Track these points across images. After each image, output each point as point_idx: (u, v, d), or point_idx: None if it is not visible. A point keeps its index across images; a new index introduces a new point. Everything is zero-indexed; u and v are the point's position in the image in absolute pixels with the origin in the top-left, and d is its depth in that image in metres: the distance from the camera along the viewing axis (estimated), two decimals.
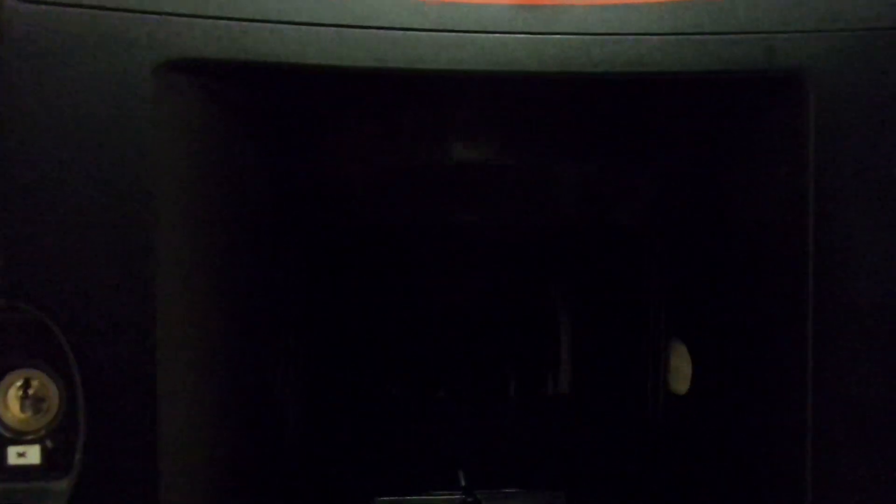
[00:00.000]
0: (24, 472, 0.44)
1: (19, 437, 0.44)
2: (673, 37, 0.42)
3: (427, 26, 0.41)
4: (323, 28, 0.40)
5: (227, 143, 0.47)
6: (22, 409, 0.44)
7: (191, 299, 0.44)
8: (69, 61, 0.39)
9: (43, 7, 0.39)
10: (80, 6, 0.39)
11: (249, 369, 0.50)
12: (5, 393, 0.44)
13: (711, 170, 0.54)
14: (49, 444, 0.44)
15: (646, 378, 0.71)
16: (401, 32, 0.41)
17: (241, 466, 0.50)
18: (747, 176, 0.51)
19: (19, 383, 0.44)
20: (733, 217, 0.54)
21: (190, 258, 0.44)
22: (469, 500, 0.74)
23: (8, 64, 0.38)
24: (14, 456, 0.44)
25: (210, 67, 0.41)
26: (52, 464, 0.44)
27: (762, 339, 0.50)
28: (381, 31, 0.41)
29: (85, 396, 0.41)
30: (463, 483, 0.78)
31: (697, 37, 0.42)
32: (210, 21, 0.40)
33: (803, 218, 0.45)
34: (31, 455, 0.44)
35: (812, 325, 0.45)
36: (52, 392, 0.44)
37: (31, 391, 0.44)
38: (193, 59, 0.41)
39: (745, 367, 0.53)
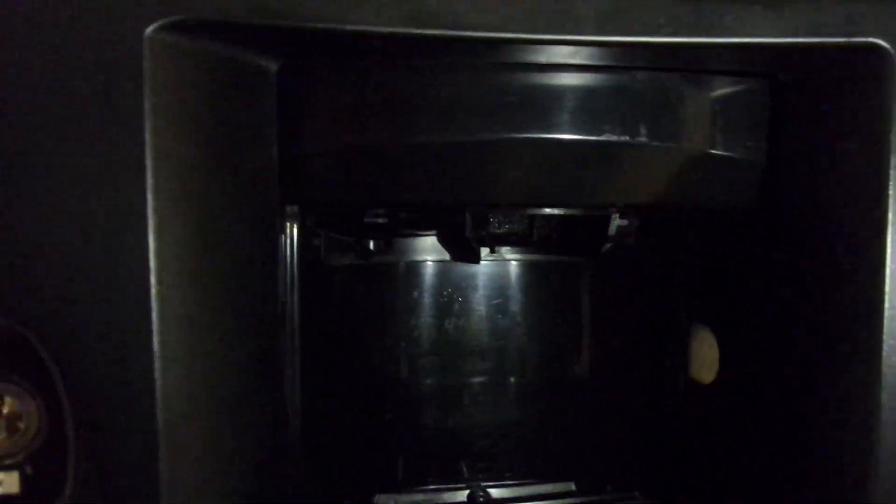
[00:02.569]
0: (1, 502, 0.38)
1: None
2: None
3: None
4: None
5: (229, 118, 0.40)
6: None
7: (192, 297, 0.38)
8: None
9: None
10: None
11: (256, 365, 0.45)
12: None
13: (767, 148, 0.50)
14: (28, 469, 0.38)
15: (667, 366, 0.68)
16: None
17: (246, 471, 0.45)
18: (809, 155, 0.47)
19: None
20: (790, 200, 0.50)
21: (190, 251, 0.38)
22: (480, 495, 0.71)
23: None
24: None
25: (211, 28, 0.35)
26: (33, 492, 0.38)
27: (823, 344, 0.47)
28: None
29: (73, 414, 0.35)
30: (466, 474, 0.75)
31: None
32: None
33: (876, 203, 0.41)
34: (9, 483, 0.38)
35: (882, 320, 0.41)
36: (31, 409, 0.38)
37: (4, 409, 0.38)
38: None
39: (793, 360, 0.50)
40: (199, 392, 0.39)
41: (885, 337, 0.42)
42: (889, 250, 0.42)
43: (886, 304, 0.42)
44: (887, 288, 0.42)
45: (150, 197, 0.35)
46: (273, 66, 0.41)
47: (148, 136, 0.34)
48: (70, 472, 0.37)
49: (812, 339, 0.48)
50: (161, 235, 0.36)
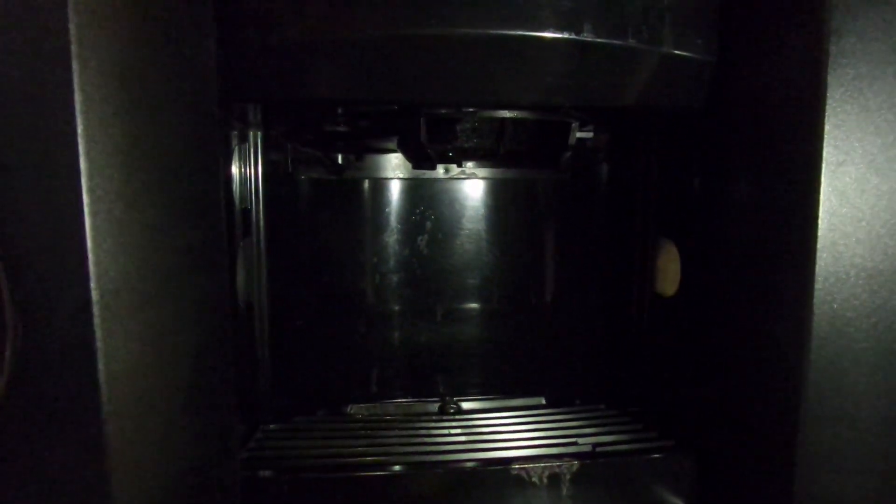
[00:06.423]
0: None
1: None
2: None
3: None
4: None
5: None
6: None
7: (122, 178, 0.40)
8: None
9: None
10: None
11: (195, 249, 0.46)
12: None
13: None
14: None
15: (633, 281, 0.68)
16: None
17: (185, 349, 0.47)
18: (755, 50, 0.46)
19: None
20: (738, 98, 0.49)
21: (119, 134, 0.39)
22: (451, 407, 0.72)
23: None
24: None
25: None
26: None
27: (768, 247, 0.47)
28: None
29: (11, 296, 0.37)
30: (441, 390, 0.76)
31: None
32: None
33: (817, 115, 0.41)
34: None
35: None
36: None
37: None
38: None
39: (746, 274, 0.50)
40: (132, 267, 0.40)
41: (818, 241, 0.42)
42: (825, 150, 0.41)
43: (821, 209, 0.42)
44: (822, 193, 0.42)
45: (76, 81, 0.36)
46: None
47: (72, 27, 0.35)
48: (9, 347, 0.39)
49: (759, 243, 0.48)
50: (88, 116, 0.37)
